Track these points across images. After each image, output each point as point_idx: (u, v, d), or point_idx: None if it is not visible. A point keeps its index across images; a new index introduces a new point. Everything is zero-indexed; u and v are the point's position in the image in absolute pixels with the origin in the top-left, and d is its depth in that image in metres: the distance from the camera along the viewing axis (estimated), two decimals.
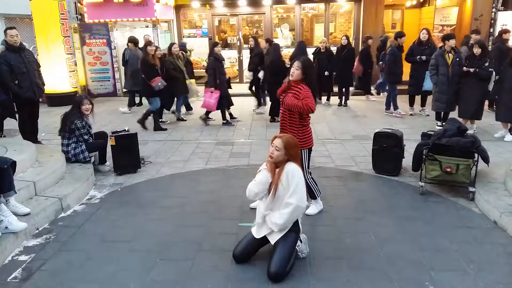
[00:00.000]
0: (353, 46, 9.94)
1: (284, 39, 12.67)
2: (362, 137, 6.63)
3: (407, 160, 4.90)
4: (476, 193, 4.09)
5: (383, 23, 12.19)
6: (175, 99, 8.17)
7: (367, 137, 6.36)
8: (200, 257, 3.19)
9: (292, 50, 11.61)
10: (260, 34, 12.69)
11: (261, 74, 8.27)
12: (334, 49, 9.69)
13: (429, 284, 2.81)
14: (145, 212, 4.04)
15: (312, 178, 3.85)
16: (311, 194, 3.82)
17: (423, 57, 7.54)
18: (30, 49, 7.15)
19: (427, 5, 13.36)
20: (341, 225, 3.68)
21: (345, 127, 7.42)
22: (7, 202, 3.48)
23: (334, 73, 9.26)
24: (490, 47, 8.86)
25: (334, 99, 9.64)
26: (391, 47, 8.22)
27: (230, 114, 8.00)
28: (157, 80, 7.00)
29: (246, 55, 11.02)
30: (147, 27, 11.35)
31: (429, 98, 7.55)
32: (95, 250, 3.33)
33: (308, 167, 3.78)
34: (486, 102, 7.24)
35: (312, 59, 8.70)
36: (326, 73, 9.11)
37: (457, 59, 6.60)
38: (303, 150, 3.62)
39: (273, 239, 2.98)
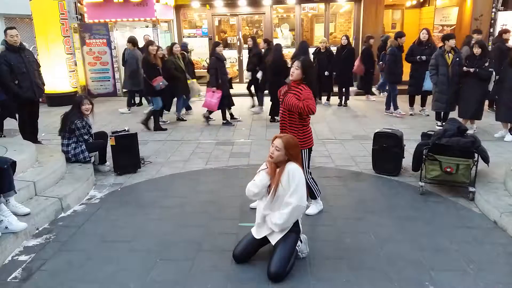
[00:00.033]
0: (353, 46, 9.95)
1: (284, 39, 12.66)
2: (362, 137, 6.63)
3: (407, 160, 4.90)
4: (476, 193, 4.09)
5: (383, 23, 12.19)
6: (175, 99, 8.17)
7: (367, 137, 6.36)
8: (200, 257, 3.19)
9: (292, 50, 11.64)
10: (260, 34, 12.69)
11: (259, 75, 8.27)
12: (334, 49, 9.69)
13: (429, 284, 2.81)
14: (145, 212, 4.04)
15: (312, 178, 3.85)
16: (311, 194, 3.82)
17: (423, 57, 7.53)
18: (30, 49, 7.15)
19: (427, 5, 13.36)
20: (341, 225, 3.68)
21: (345, 127, 7.42)
22: (7, 202, 3.48)
23: (334, 73, 9.26)
24: (490, 47, 8.86)
25: (334, 99, 9.64)
26: (391, 47, 8.22)
27: (231, 114, 8.00)
28: (159, 79, 7.00)
29: (246, 55, 10.98)
30: (147, 27, 11.35)
31: (429, 98, 7.54)
32: (95, 250, 3.33)
33: (308, 167, 3.78)
34: (486, 102, 7.24)
35: (312, 59, 8.71)
36: (326, 73, 9.10)
37: (457, 59, 6.60)
38: (303, 150, 3.61)
39: (273, 240, 2.97)
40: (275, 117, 7.61)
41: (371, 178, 4.88)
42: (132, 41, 8.89)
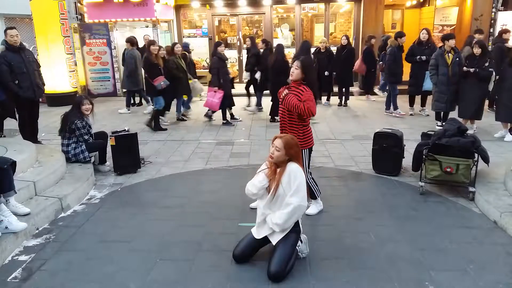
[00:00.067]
0: (353, 46, 9.95)
1: (284, 39, 12.66)
2: (362, 137, 6.63)
3: (407, 160, 4.90)
4: (476, 193, 4.09)
5: (383, 23, 12.19)
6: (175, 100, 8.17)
7: (367, 137, 6.36)
8: (200, 257, 3.19)
9: (292, 50, 11.65)
10: (260, 34, 12.70)
11: (257, 75, 8.27)
12: (334, 49, 9.70)
13: (429, 284, 2.80)
14: (145, 212, 4.04)
15: (312, 178, 3.85)
16: (311, 194, 3.81)
17: (423, 57, 7.53)
18: (30, 49, 7.15)
19: (427, 5, 13.36)
20: (341, 225, 3.68)
21: (345, 127, 7.42)
22: (7, 202, 3.48)
23: (334, 73, 9.26)
24: (490, 47, 8.85)
25: (334, 99, 9.64)
26: (391, 47, 8.22)
27: (231, 114, 8.00)
28: (160, 79, 7.00)
29: (245, 55, 11.01)
30: (147, 27, 11.35)
31: (429, 98, 7.54)
32: (95, 250, 3.32)
33: (309, 167, 3.78)
34: (486, 102, 7.24)
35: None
36: (326, 73, 9.10)
37: (457, 59, 6.60)
38: (303, 150, 3.61)
39: (274, 240, 2.97)
40: (275, 117, 7.61)
41: (371, 178, 4.88)
42: (130, 41, 8.89)
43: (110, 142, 5.07)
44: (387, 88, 8.80)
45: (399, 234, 3.51)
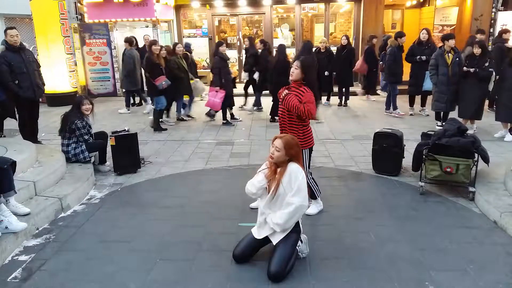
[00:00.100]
0: (353, 46, 9.95)
1: (284, 39, 12.66)
2: (362, 137, 6.63)
3: (407, 160, 4.90)
4: (476, 193, 4.09)
5: (383, 23, 12.19)
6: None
7: (367, 137, 6.36)
8: (200, 257, 3.19)
9: (292, 50, 11.65)
10: (260, 34, 12.70)
11: (256, 75, 8.26)
12: (334, 49, 9.69)
13: (429, 284, 2.80)
14: (145, 212, 4.04)
15: (312, 178, 3.85)
16: (312, 194, 3.81)
17: (423, 57, 7.54)
18: (30, 49, 7.15)
19: (427, 5, 13.37)
20: (341, 225, 3.68)
21: (345, 127, 7.42)
22: (7, 202, 3.48)
23: (334, 73, 9.26)
24: (490, 47, 8.85)
25: (334, 99, 9.64)
26: (391, 47, 8.22)
27: (231, 114, 8.00)
28: (161, 79, 7.00)
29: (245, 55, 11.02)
30: (147, 27, 11.35)
31: (429, 98, 7.55)
32: (95, 250, 3.32)
33: (309, 167, 3.77)
34: (486, 102, 7.24)
35: None
36: (326, 73, 9.10)
37: (457, 59, 6.60)
38: (303, 150, 3.60)
39: (275, 240, 2.97)
40: (275, 117, 7.60)
41: (371, 178, 4.88)
42: (129, 40, 8.89)
43: (110, 142, 5.07)
44: (387, 88, 8.80)
45: (399, 234, 3.51)
